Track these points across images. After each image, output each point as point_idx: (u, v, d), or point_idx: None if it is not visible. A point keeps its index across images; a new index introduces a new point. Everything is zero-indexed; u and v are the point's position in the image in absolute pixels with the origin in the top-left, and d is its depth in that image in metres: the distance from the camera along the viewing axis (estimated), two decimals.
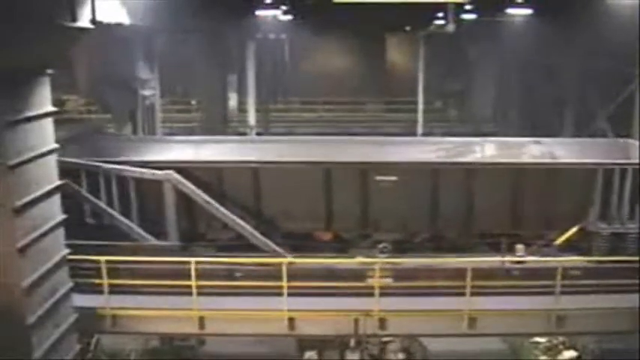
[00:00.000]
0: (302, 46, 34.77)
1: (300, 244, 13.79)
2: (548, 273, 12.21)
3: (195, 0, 17.12)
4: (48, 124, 9.87)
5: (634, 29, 16.81)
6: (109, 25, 12.33)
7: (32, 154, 9.35)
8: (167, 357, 16.70)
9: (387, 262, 12.89)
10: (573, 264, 12.90)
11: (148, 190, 13.32)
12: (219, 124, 24.86)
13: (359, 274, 12.82)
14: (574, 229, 13.56)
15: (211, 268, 12.57)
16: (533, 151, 14.29)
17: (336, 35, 33.71)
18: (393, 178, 13.36)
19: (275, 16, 22.63)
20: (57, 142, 12.58)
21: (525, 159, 13.86)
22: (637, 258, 12.32)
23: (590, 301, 12.20)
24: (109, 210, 13.23)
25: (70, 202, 12.93)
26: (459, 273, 12.07)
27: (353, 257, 13.31)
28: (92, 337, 15.37)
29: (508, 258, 13.10)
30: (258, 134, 27.59)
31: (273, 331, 12.37)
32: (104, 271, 11.76)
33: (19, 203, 9.04)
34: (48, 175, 9.94)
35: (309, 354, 16.38)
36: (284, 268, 11.84)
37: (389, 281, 12.69)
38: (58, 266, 10.31)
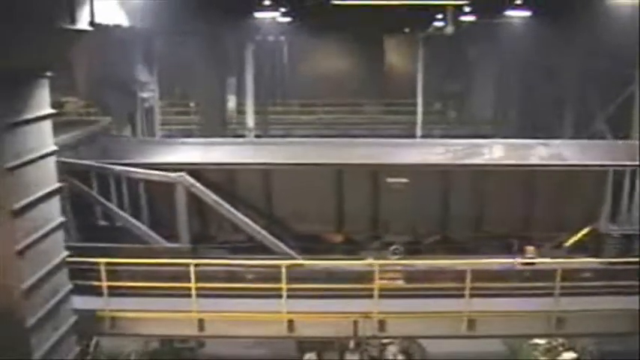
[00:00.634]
0: (301, 48, 34.78)
1: (310, 246, 13.75)
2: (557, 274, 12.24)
3: (193, 2, 17.11)
4: (47, 126, 9.88)
5: (633, 30, 16.82)
6: (107, 27, 12.34)
7: (31, 156, 9.36)
8: (166, 358, 16.69)
9: (385, 264, 12.86)
10: (584, 265, 12.90)
11: (160, 192, 13.28)
12: (218, 127, 24.84)
13: (370, 277, 12.81)
14: (584, 231, 13.54)
15: (222, 270, 12.65)
16: (541, 152, 14.33)
17: (334, 37, 33.72)
18: (405, 180, 13.35)
19: (274, 19, 22.64)
20: (66, 144, 12.75)
21: (535, 161, 13.88)
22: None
23: (601, 302, 12.19)
24: (121, 212, 13.18)
25: (81, 204, 13.04)
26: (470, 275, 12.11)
27: (364, 259, 13.25)
28: (91, 339, 15.35)
29: (518, 259, 13.06)
30: (257, 136, 27.60)
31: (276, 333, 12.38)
32: (103, 273, 11.74)
33: (18, 205, 9.04)
34: (47, 177, 9.95)
35: (308, 355, 16.38)
36: (284, 270, 11.83)
37: (400, 283, 12.73)
38: (57, 268, 10.32)
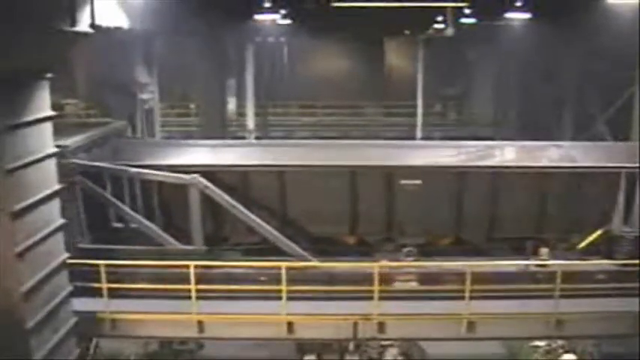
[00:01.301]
0: (301, 49, 34.71)
1: (324, 247, 13.76)
2: (572, 276, 12.30)
3: (194, 4, 17.11)
4: (47, 128, 9.88)
5: (633, 33, 16.82)
6: (108, 29, 12.34)
7: (31, 158, 9.36)
8: None
9: (385, 266, 12.87)
10: (597, 267, 12.94)
11: (173, 194, 13.33)
12: (218, 128, 24.83)
13: (384, 278, 12.77)
14: (598, 233, 13.55)
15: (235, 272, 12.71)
16: (553, 154, 14.35)
17: (335, 39, 33.65)
18: (418, 181, 13.33)
19: (274, 20, 22.61)
20: (79, 145, 12.83)
21: (548, 163, 13.91)
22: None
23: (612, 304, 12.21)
24: (134, 214, 13.20)
25: (95, 205, 13.06)
26: (480, 276, 12.18)
27: (377, 261, 13.23)
28: (91, 340, 15.34)
29: (529, 262, 13.11)
30: (257, 138, 27.60)
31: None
32: (103, 275, 11.74)
33: (17, 207, 9.05)
34: (47, 179, 9.95)
35: (308, 357, 16.38)
36: (283, 272, 11.83)
37: (413, 285, 12.77)
38: (57, 270, 10.31)
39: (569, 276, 12.21)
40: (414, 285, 12.84)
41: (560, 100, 25.56)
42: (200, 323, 12.16)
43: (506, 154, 14.39)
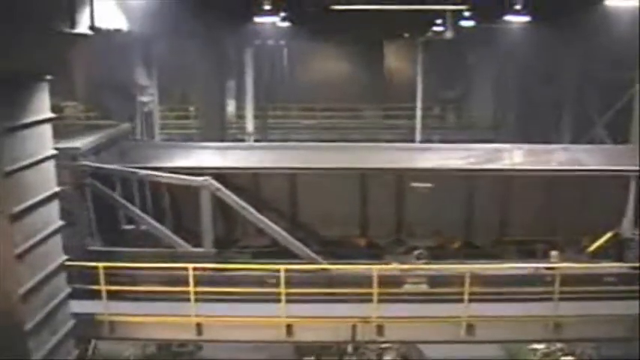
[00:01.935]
0: (300, 52, 34.77)
1: (334, 250, 13.76)
2: (582, 279, 12.36)
3: (193, 6, 17.12)
4: (46, 130, 9.88)
5: (633, 36, 16.84)
6: (107, 31, 12.35)
7: (30, 160, 9.36)
8: None
9: (385, 269, 12.86)
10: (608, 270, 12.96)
11: (183, 196, 13.35)
12: (217, 131, 24.83)
13: (395, 281, 12.84)
14: (607, 236, 13.55)
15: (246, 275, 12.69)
16: (561, 157, 14.38)
17: (334, 42, 33.67)
18: (429, 184, 13.35)
19: (273, 23, 22.62)
20: (89, 148, 12.86)
21: (557, 165, 13.93)
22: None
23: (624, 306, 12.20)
24: (144, 216, 13.20)
25: (105, 208, 13.07)
26: (490, 279, 12.30)
27: (388, 264, 13.25)
28: (89, 342, 15.33)
29: (541, 265, 13.09)
30: (256, 141, 27.60)
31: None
32: (102, 277, 11.73)
33: (16, 209, 9.05)
34: (46, 181, 9.94)
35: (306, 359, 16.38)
36: (282, 275, 11.82)
37: (424, 287, 12.77)
38: (56, 272, 10.31)
39: (579, 279, 12.29)
40: (424, 287, 12.82)
41: (560, 102, 25.58)
42: (199, 325, 12.15)
43: (515, 157, 14.40)
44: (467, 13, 23.35)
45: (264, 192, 13.63)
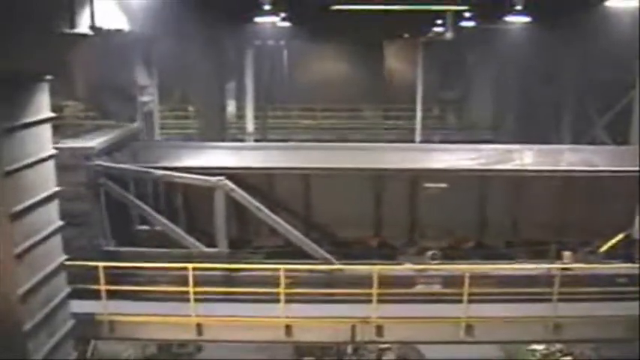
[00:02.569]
0: (300, 52, 34.77)
1: (347, 251, 13.77)
2: (594, 280, 12.43)
3: (194, 7, 17.12)
4: (46, 129, 9.88)
5: (633, 37, 16.83)
6: (108, 32, 12.34)
7: (30, 160, 9.35)
8: None
9: (384, 270, 12.86)
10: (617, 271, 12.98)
11: (197, 196, 13.35)
12: (218, 131, 24.82)
13: (408, 281, 12.87)
14: (619, 237, 13.55)
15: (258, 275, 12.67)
16: (572, 158, 14.39)
17: (334, 42, 33.70)
18: (443, 185, 13.35)
19: (274, 23, 22.62)
20: (102, 148, 12.91)
21: (569, 166, 13.93)
22: None
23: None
24: (159, 217, 13.19)
25: (117, 208, 13.09)
26: (503, 279, 12.42)
27: (401, 264, 13.28)
28: (89, 343, 15.34)
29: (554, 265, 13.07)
30: (256, 141, 27.59)
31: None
32: (102, 277, 11.73)
33: (15, 209, 9.04)
34: (46, 181, 9.94)
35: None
36: (282, 275, 11.83)
37: (437, 288, 12.79)
38: (55, 272, 10.30)
39: (591, 279, 12.40)
40: (437, 288, 12.82)
41: (559, 103, 25.57)
42: (199, 326, 12.15)
43: (524, 157, 14.40)
44: (467, 14, 23.37)
45: (278, 192, 13.64)
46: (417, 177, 13.53)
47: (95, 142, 12.89)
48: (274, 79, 35.11)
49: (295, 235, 13.10)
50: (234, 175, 13.12)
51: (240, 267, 12.88)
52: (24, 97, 9.23)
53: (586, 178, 13.53)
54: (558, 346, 16.53)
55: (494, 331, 12.32)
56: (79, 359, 12.22)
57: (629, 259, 13.46)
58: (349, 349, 16.89)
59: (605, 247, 13.58)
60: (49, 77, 9.70)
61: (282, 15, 21.52)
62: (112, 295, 11.99)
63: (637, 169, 13.35)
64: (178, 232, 13.09)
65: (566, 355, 16.60)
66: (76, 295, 11.11)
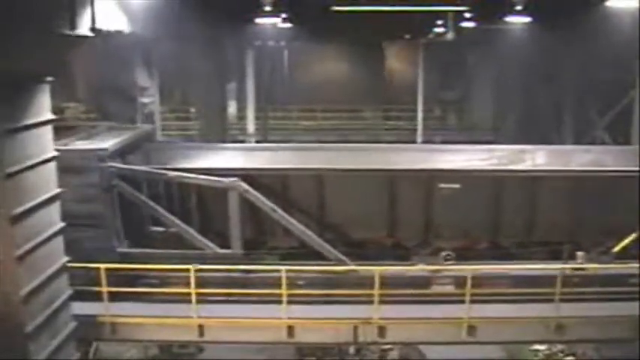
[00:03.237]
0: (301, 53, 34.80)
1: (361, 251, 13.73)
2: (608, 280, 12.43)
3: (194, 8, 17.13)
4: (47, 131, 9.86)
5: (633, 37, 16.83)
6: (108, 33, 12.34)
7: (31, 162, 9.34)
8: None
9: (385, 270, 12.85)
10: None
11: (210, 197, 13.35)
12: (218, 132, 24.84)
13: (423, 282, 12.89)
14: (632, 237, 13.47)
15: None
16: (583, 158, 14.38)
17: (335, 43, 33.73)
18: (457, 185, 13.35)
19: (274, 24, 22.63)
20: (115, 149, 12.88)
21: (581, 167, 13.90)
22: None
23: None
24: (173, 218, 13.13)
25: (132, 209, 13.10)
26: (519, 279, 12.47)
27: (415, 264, 13.25)
28: (91, 344, 15.34)
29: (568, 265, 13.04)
30: (256, 142, 27.61)
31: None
32: (103, 279, 11.73)
33: (17, 211, 9.04)
34: (47, 182, 9.93)
35: None
36: (283, 276, 11.82)
37: (450, 288, 12.77)
38: (57, 274, 10.29)
39: (605, 279, 12.43)
40: (450, 289, 12.80)
41: (560, 104, 25.58)
42: (200, 327, 12.15)
43: (537, 158, 14.39)
44: (468, 15, 23.37)
45: (292, 193, 13.60)
46: (431, 177, 13.49)
47: (108, 143, 12.87)
48: (275, 80, 35.13)
49: (309, 235, 13.05)
50: (247, 176, 13.08)
51: (245, 269, 12.86)
52: (25, 99, 9.22)
53: (599, 178, 13.47)
54: (560, 346, 16.52)
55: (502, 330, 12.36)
56: None
57: None
58: (351, 350, 16.88)
59: (617, 248, 13.53)
60: (49, 79, 9.69)
61: (283, 16, 21.53)
62: (122, 297, 12.05)
63: None
64: (192, 233, 13.05)
65: (567, 355, 16.59)
66: (79, 296, 11.12)
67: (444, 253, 13.45)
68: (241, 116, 30.33)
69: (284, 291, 11.83)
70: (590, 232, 13.70)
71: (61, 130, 12.98)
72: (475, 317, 12.02)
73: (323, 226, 13.67)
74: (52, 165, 10.06)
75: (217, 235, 13.28)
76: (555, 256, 13.36)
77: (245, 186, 12.81)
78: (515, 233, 13.89)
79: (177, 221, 13.11)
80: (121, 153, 13.34)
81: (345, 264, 12.84)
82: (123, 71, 17.34)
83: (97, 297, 11.77)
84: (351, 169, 13.68)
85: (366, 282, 12.15)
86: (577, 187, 13.49)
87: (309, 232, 13.08)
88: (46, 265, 9.96)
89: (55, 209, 10.22)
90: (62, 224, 10.40)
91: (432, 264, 13.21)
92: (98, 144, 12.85)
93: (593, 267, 12.93)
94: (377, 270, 12.01)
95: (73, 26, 9.71)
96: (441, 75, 33.60)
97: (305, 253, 13.15)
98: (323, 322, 12.20)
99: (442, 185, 13.35)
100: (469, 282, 11.83)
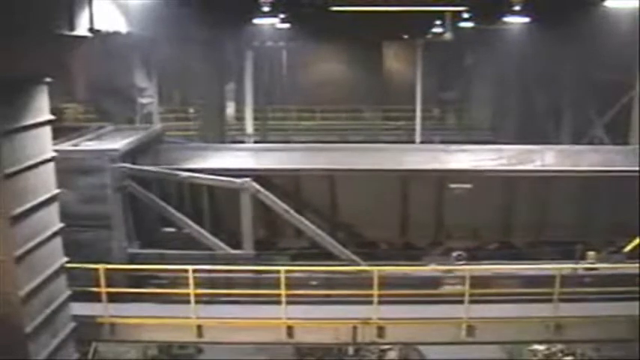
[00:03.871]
0: (300, 54, 34.80)
1: (373, 251, 13.75)
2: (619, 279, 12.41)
3: (193, 8, 17.13)
4: (46, 132, 9.87)
5: (633, 37, 16.84)
6: (107, 34, 12.34)
7: (30, 162, 9.35)
8: None
9: (383, 270, 12.85)
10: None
11: (222, 198, 13.35)
12: (217, 133, 24.83)
13: (434, 282, 12.89)
14: None
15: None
16: (593, 158, 14.37)
17: (333, 43, 33.75)
18: (468, 185, 13.34)
19: (273, 25, 22.63)
20: (126, 150, 12.86)
21: (591, 166, 13.87)
22: None
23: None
24: (184, 219, 13.11)
25: (143, 210, 13.11)
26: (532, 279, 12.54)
27: (426, 265, 13.24)
28: (90, 345, 15.33)
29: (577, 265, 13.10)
30: (255, 142, 27.58)
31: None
32: (102, 279, 11.73)
33: (15, 212, 9.04)
34: (46, 183, 9.93)
35: None
36: (282, 277, 11.83)
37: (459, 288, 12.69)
38: (56, 275, 10.30)
39: (616, 279, 12.38)
40: (459, 288, 12.73)
41: (559, 104, 25.57)
42: (199, 327, 12.15)
43: (546, 158, 14.39)
44: (466, 15, 23.38)
45: (304, 193, 13.59)
46: (442, 178, 13.48)
47: (119, 144, 12.87)
48: (274, 81, 35.13)
49: (321, 236, 13.03)
50: (259, 176, 13.06)
51: (245, 269, 12.84)
52: (23, 100, 9.22)
53: (610, 177, 13.45)
54: (559, 346, 16.52)
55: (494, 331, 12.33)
56: None
57: None
58: (350, 350, 16.88)
59: (629, 247, 13.53)
60: (48, 79, 9.70)
61: (282, 16, 21.54)
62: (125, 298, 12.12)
63: None
64: (203, 233, 13.04)
65: (567, 355, 16.59)
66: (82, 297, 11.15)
67: (455, 254, 13.44)
68: (240, 117, 30.29)
69: (283, 291, 11.83)
70: (601, 231, 13.69)
71: (67, 131, 13.02)
72: (474, 317, 12.00)
73: (334, 227, 13.65)
74: (51, 165, 10.07)
75: (229, 235, 13.25)
76: (566, 256, 13.37)
77: (257, 186, 12.80)
78: (526, 233, 13.89)
79: (189, 222, 13.10)
80: (132, 154, 13.32)
81: (357, 264, 12.82)
82: (122, 72, 17.32)
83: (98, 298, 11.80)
84: (363, 170, 13.67)
85: (380, 282, 12.09)
86: (588, 187, 13.49)
87: (321, 233, 13.06)
88: (46, 266, 9.96)
89: (54, 210, 10.22)
90: (61, 225, 10.42)
91: (444, 264, 13.19)
92: (109, 145, 12.84)
93: (604, 267, 12.93)
94: (375, 270, 12.01)
95: (72, 27, 9.73)
96: (439, 75, 33.60)
97: (316, 253, 13.13)
98: (322, 322, 12.21)
99: (453, 185, 13.35)
100: (467, 282, 11.85)
